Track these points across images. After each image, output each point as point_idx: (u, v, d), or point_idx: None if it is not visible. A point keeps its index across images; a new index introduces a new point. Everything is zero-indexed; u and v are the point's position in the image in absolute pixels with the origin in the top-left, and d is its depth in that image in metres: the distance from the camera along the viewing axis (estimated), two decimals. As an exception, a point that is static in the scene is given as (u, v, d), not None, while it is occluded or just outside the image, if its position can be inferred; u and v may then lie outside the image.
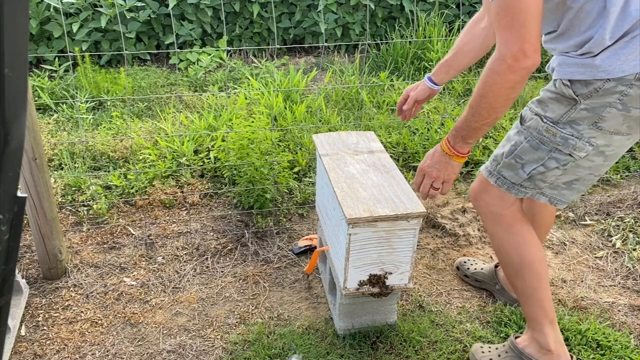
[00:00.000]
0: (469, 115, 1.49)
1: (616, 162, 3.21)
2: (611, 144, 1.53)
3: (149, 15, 4.23)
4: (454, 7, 4.67)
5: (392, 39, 4.28)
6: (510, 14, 1.32)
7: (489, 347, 1.89)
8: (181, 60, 4.22)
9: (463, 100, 3.78)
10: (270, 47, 4.54)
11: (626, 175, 3.13)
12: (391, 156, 3.05)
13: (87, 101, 3.46)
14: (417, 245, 1.88)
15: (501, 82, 1.38)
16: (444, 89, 3.87)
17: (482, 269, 2.27)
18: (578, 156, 1.54)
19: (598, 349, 1.96)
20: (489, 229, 1.79)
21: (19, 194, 0.66)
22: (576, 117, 1.50)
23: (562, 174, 1.60)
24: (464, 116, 1.50)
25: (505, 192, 1.70)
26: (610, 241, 2.60)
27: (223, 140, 2.93)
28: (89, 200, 2.67)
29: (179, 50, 3.90)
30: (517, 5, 1.31)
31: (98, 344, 1.98)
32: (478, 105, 1.45)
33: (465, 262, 2.33)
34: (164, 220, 2.64)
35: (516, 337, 1.86)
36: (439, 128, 3.30)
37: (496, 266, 2.22)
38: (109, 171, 2.90)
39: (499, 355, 1.84)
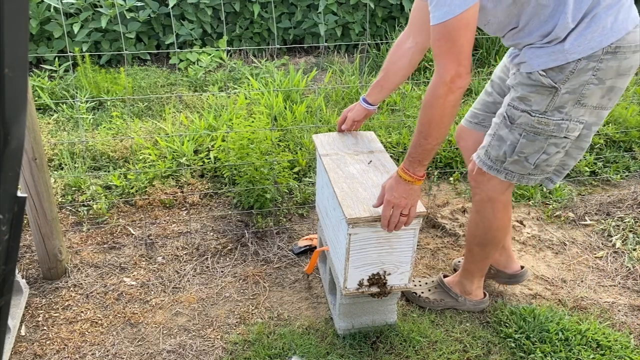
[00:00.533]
0: (420, 139, 1.61)
1: (616, 163, 3.21)
2: (599, 119, 1.69)
3: (149, 15, 4.23)
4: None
5: (392, 39, 4.28)
6: (449, 41, 1.49)
7: (420, 281, 2.20)
8: (181, 60, 4.23)
9: (463, 100, 3.78)
10: (270, 47, 4.54)
11: (626, 175, 3.13)
12: (391, 156, 3.06)
13: (87, 101, 3.46)
14: (417, 245, 1.88)
15: (444, 103, 1.53)
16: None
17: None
18: (573, 136, 1.68)
19: (598, 349, 1.96)
20: (478, 206, 1.91)
21: (19, 194, 0.66)
22: (561, 102, 1.62)
23: (565, 156, 1.75)
24: (416, 143, 1.62)
25: (508, 182, 1.82)
26: (610, 241, 2.60)
27: (223, 140, 2.93)
28: (89, 200, 2.67)
29: (179, 50, 3.90)
30: (455, 34, 1.48)
31: (98, 344, 1.98)
32: (428, 128, 1.59)
33: (460, 261, 2.34)
34: (164, 220, 2.64)
35: (445, 276, 2.19)
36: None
37: None
38: (109, 171, 2.90)
39: (429, 290, 2.16)
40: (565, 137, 1.67)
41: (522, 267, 2.24)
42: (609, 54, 1.54)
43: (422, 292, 2.15)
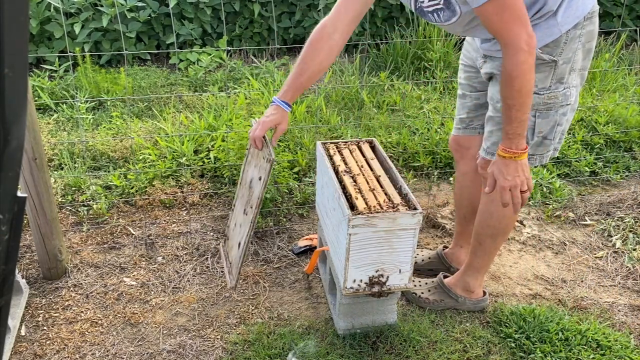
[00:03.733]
0: (515, 113, 1.61)
1: (616, 163, 3.21)
2: (583, 80, 1.81)
3: (150, 15, 4.23)
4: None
5: (392, 39, 4.28)
6: (509, 9, 1.50)
7: (420, 282, 2.20)
8: (181, 60, 4.22)
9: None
10: (270, 47, 4.54)
11: (626, 175, 3.13)
12: (391, 156, 3.06)
13: (87, 101, 3.46)
14: (417, 245, 1.88)
15: (527, 68, 1.55)
16: (443, 89, 3.88)
17: (429, 257, 2.36)
18: (572, 101, 1.79)
19: (598, 349, 1.96)
20: (493, 196, 1.86)
21: (19, 194, 0.66)
22: (560, 73, 1.71)
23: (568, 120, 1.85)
24: (511, 118, 1.61)
25: None
26: (610, 241, 2.60)
27: (223, 140, 2.93)
28: (89, 200, 2.67)
29: (179, 50, 3.90)
30: (512, 1, 1.50)
31: (98, 344, 1.98)
32: (520, 98, 1.58)
33: (446, 248, 2.39)
34: (164, 220, 2.64)
35: (445, 277, 2.17)
36: (439, 128, 3.30)
37: (444, 248, 2.37)
38: (109, 171, 2.90)
39: (429, 290, 2.16)
40: (567, 104, 1.77)
41: None
42: (587, 20, 1.67)
43: (422, 293, 2.16)
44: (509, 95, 1.60)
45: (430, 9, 1.68)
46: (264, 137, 1.94)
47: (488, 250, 2.03)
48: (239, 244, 2.10)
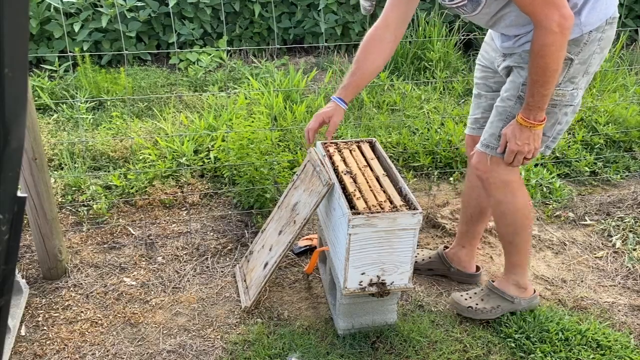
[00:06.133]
0: (538, 88, 1.65)
1: (616, 163, 3.21)
2: (587, 84, 1.83)
3: (150, 15, 4.23)
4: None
5: (392, 39, 4.27)
6: None
7: (468, 294, 2.12)
8: (181, 60, 4.22)
9: (463, 100, 3.78)
10: (270, 47, 4.54)
11: (626, 175, 3.13)
12: (391, 156, 3.06)
13: (87, 101, 3.46)
14: (417, 245, 1.88)
15: (556, 48, 1.58)
16: (443, 89, 3.88)
17: (430, 257, 2.35)
18: (576, 103, 1.80)
19: (598, 349, 1.96)
20: (499, 196, 1.92)
21: (19, 194, 0.66)
22: (573, 73, 1.73)
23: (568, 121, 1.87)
24: (534, 92, 1.66)
25: None
26: (610, 241, 2.60)
27: (223, 140, 2.93)
28: (89, 200, 2.67)
29: (179, 50, 3.90)
30: None
31: (98, 344, 1.98)
32: (544, 76, 1.62)
33: (447, 248, 2.37)
34: (164, 220, 2.64)
35: (493, 281, 2.11)
36: (439, 128, 3.30)
37: (445, 248, 2.34)
38: (109, 171, 2.90)
39: (482, 299, 2.08)
40: (571, 105, 1.79)
41: (478, 269, 2.31)
42: (608, 24, 1.69)
43: (477, 304, 2.07)
44: (534, 71, 1.63)
45: (454, 5, 1.72)
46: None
47: (520, 246, 2.02)
48: (266, 264, 2.10)
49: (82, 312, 2.11)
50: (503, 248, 2.09)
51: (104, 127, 3.28)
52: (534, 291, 2.11)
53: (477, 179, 2.11)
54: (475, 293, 2.11)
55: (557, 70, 1.62)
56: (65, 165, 2.90)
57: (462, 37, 4.33)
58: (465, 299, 2.09)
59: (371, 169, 2.05)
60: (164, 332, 2.04)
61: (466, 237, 2.27)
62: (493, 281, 2.12)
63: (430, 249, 2.44)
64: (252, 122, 2.80)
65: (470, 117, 2.13)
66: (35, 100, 3.54)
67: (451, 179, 3.04)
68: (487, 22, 1.79)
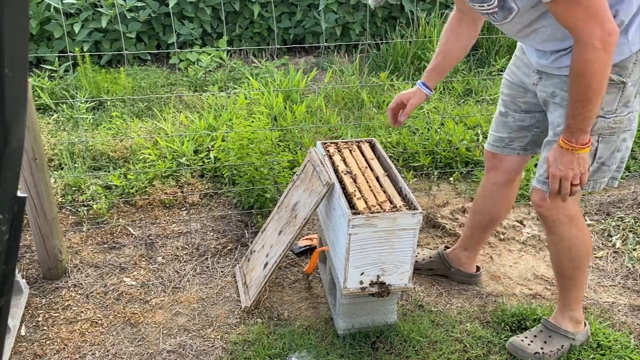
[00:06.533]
0: (580, 109, 1.55)
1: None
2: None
3: (149, 15, 4.23)
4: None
5: (392, 39, 4.28)
6: (582, 6, 1.43)
7: (527, 337, 1.96)
8: (181, 60, 4.22)
9: (463, 100, 3.78)
10: (270, 47, 4.54)
11: (626, 175, 3.13)
12: (391, 156, 3.06)
13: (87, 101, 3.46)
14: (417, 245, 1.88)
15: (599, 66, 1.48)
16: (443, 89, 3.88)
17: (430, 257, 2.34)
18: (634, 126, 1.70)
19: (598, 349, 1.96)
20: (564, 233, 1.81)
21: (19, 194, 0.66)
22: (627, 96, 1.63)
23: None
24: (575, 113, 1.56)
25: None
26: (610, 241, 2.60)
27: (223, 140, 2.93)
28: (89, 200, 2.67)
29: (179, 50, 3.90)
30: None
31: (98, 344, 1.98)
32: (586, 96, 1.52)
33: (448, 248, 2.35)
34: (164, 220, 2.64)
35: (547, 318, 1.99)
36: (439, 128, 3.30)
37: (446, 248, 2.33)
38: (109, 171, 2.90)
39: (545, 342, 1.94)
40: (629, 129, 1.69)
41: (478, 269, 2.30)
42: None
43: (542, 348, 1.92)
44: (575, 91, 1.54)
45: (484, 11, 1.62)
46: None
47: (580, 280, 1.92)
48: (265, 264, 2.10)
49: (82, 312, 2.11)
50: (559, 284, 1.95)
51: (104, 127, 3.28)
52: (585, 324, 2.00)
53: (493, 189, 2.09)
54: (535, 335, 1.96)
55: (599, 89, 1.50)
56: (65, 165, 2.90)
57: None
58: (528, 344, 1.93)
59: (371, 169, 2.05)
60: (164, 332, 2.04)
61: (470, 241, 2.24)
62: (547, 318, 1.99)
63: (430, 249, 2.44)
64: (252, 122, 2.80)
65: (493, 133, 2.02)
66: (35, 100, 3.54)
67: (451, 179, 3.03)
68: (518, 32, 1.67)
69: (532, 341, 1.94)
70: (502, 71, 3.75)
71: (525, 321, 2.07)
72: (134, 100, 3.64)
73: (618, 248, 2.55)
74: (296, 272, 2.35)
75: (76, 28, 4.03)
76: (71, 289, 2.22)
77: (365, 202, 1.84)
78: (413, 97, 1.98)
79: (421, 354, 1.94)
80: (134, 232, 2.56)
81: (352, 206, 1.82)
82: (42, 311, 2.10)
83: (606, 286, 2.33)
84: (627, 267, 2.43)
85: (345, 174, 1.99)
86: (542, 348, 1.92)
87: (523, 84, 1.86)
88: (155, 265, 2.37)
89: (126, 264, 2.37)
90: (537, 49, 1.71)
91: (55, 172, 2.86)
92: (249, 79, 3.75)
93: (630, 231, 2.66)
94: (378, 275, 1.87)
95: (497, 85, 3.80)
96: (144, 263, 2.38)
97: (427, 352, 1.95)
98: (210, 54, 4.21)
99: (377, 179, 1.99)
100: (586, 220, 2.74)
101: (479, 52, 4.32)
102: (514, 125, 1.95)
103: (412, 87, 3.88)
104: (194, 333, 2.03)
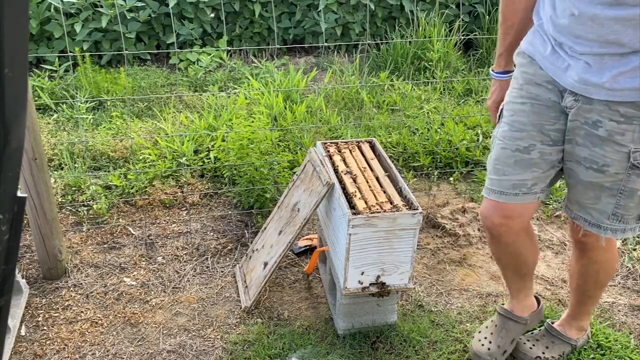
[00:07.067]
0: None
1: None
2: None
3: (149, 15, 4.23)
4: (454, 7, 4.67)
5: (392, 39, 4.28)
6: None
7: (530, 340, 1.92)
8: (181, 60, 4.22)
9: (463, 100, 3.78)
10: (270, 47, 4.54)
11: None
12: (391, 156, 3.06)
13: (87, 101, 3.46)
14: (417, 245, 1.88)
15: None
16: (443, 89, 3.88)
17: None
18: None
19: (598, 349, 1.96)
20: (598, 257, 1.72)
21: (19, 194, 0.66)
22: None
23: None
24: None
25: None
26: (610, 241, 2.60)
27: (223, 140, 2.93)
28: (89, 200, 2.67)
29: (179, 50, 3.90)
30: None
31: (98, 344, 1.98)
32: None
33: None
34: (164, 220, 2.64)
35: (552, 322, 1.95)
36: (439, 128, 3.30)
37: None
38: (109, 171, 2.90)
39: (547, 347, 1.91)
40: None
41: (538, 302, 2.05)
42: None
43: (544, 353, 1.89)
44: None
45: None
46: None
47: (598, 297, 1.88)
48: (265, 263, 2.10)
49: (82, 312, 2.11)
50: (575, 297, 1.88)
51: (104, 127, 3.28)
52: (588, 328, 1.97)
53: (516, 244, 1.71)
54: (537, 340, 1.93)
55: None
56: (65, 165, 2.90)
57: (462, 37, 4.33)
58: (530, 348, 1.89)
59: (371, 169, 2.05)
60: (164, 332, 2.04)
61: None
62: (552, 322, 1.96)
63: (431, 249, 2.44)
64: (252, 122, 2.80)
65: (505, 178, 1.58)
66: (35, 100, 3.54)
67: (451, 179, 3.03)
68: (602, 14, 1.28)
69: (534, 344, 1.92)
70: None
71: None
72: (134, 100, 3.64)
73: (618, 248, 2.55)
74: (296, 272, 2.35)
75: (76, 28, 4.03)
76: (71, 289, 2.22)
77: (365, 202, 1.84)
78: (502, 94, 1.69)
79: (421, 354, 1.94)
80: (134, 232, 2.56)
81: (352, 206, 1.82)
82: (42, 311, 2.10)
83: (606, 286, 2.33)
84: (627, 267, 2.43)
85: (345, 174, 1.99)
86: (543, 353, 1.90)
87: (553, 104, 1.48)
88: (155, 265, 2.37)
89: (126, 264, 2.37)
90: (592, 57, 1.34)
91: (55, 172, 2.86)
92: (249, 79, 3.75)
93: (630, 231, 2.66)
94: (378, 275, 1.87)
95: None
96: (144, 263, 2.38)
97: (427, 352, 1.95)
98: (210, 54, 4.21)
99: (377, 179, 1.99)
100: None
101: (479, 52, 4.32)
102: (541, 162, 1.54)
103: (411, 87, 3.88)
104: (194, 333, 2.03)
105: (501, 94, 1.70)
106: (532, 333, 1.97)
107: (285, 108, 3.38)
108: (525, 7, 1.56)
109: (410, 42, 4.20)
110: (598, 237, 1.59)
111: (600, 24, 1.29)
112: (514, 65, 1.62)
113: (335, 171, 2.00)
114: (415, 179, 3.01)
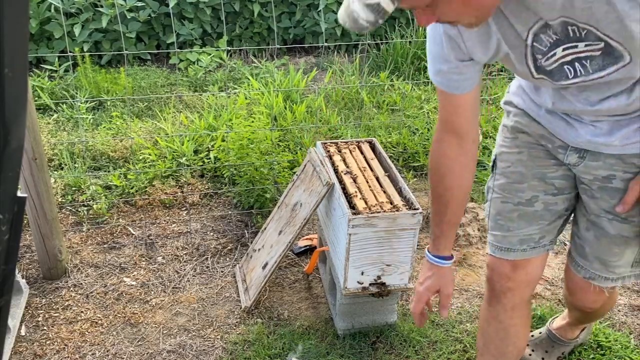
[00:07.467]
0: None
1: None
2: None
3: (149, 15, 4.23)
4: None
5: (392, 39, 4.28)
6: None
7: (528, 344, 1.88)
8: (181, 60, 4.22)
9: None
10: (270, 47, 4.54)
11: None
12: (391, 156, 3.06)
13: (87, 101, 3.46)
14: (417, 245, 1.89)
15: None
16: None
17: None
18: None
19: (598, 349, 1.96)
20: (606, 308, 1.72)
21: (19, 194, 0.66)
22: None
23: None
24: None
25: None
26: (610, 241, 2.60)
27: (223, 140, 2.93)
28: (89, 200, 2.67)
29: (179, 50, 3.90)
30: None
31: (98, 344, 1.98)
32: None
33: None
34: (164, 220, 2.64)
35: (552, 326, 1.92)
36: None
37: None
38: (109, 171, 2.90)
39: (546, 351, 1.89)
40: None
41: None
42: None
43: (543, 358, 1.89)
44: None
45: (572, 56, 1.10)
46: None
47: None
48: (266, 264, 2.10)
49: (82, 312, 2.11)
50: (577, 321, 1.85)
51: (104, 127, 3.28)
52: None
53: (514, 316, 1.53)
54: (537, 344, 1.90)
55: None
56: (65, 165, 2.90)
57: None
58: (529, 354, 1.87)
59: (371, 169, 2.05)
60: (164, 332, 2.04)
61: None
62: (552, 328, 1.92)
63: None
64: (252, 122, 2.80)
65: (510, 234, 1.45)
66: (35, 100, 3.54)
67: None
68: (598, 99, 1.18)
69: (533, 350, 1.90)
70: (502, 71, 3.75)
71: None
72: (134, 100, 3.64)
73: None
74: (296, 272, 2.35)
75: (76, 28, 4.03)
76: (71, 289, 2.22)
77: (365, 202, 1.84)
78: (442, 283, 1.48)
79: (421, 354, 1.94)
80: (134, 232, 2.56)
81: (352, 206, 1.82)
82: (42, 311, 2.10)
83: (606, 286, 2.33)
84: (627, 267, 2.43)
85: (345, 174, 1.99)
86: (543, 358, 1.89)
87: (551, 156, 1.38)
88: (155, 265, 2.37)
89: (126, 264, 2.37)
90: (597, 122, 1.24)
91: (55, 172, 2.86)
92: (249, 79, 3.75)
93: (630, 231, 2.66)
94: (378, 276, 1.87)
95: (497, 85, 3.78)
96: (144, 263, 2.38)
97: (427, 352, 1.95)
98: (210, 54, 4.21)
99: (377, 179, 1.99)
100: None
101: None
102: (546, 213, 1.43)
103: (411, 87, 3.88)
104: (194, 333, 2.03)
105: (438, 282, 1.47)
106: (532, 337, 1.96)
107: (285, 108, 3.38)
108: (463, 189, 1.42)
109: (410, 42, 4.20)
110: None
111: (592, 113, 1.23)
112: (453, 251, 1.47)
113: (335, 171, 2.00)
114: (415, 179, 3.01)
